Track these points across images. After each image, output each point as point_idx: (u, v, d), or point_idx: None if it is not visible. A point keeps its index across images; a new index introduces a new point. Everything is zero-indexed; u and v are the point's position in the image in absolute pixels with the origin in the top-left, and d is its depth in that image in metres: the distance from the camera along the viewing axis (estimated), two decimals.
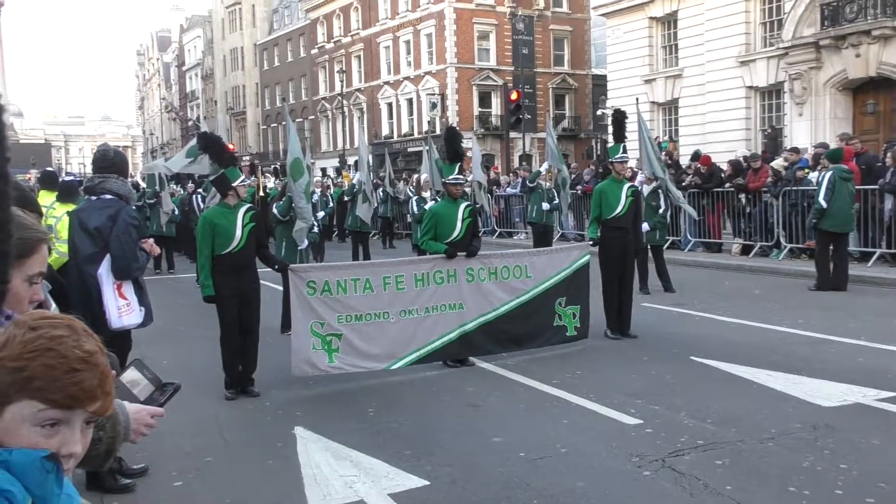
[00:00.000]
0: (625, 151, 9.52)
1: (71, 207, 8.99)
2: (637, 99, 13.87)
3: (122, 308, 5.08)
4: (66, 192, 9.48)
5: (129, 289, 5.17)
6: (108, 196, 5.48)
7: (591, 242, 9.24)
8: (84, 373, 1.32)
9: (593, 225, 9.38)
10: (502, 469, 5.09)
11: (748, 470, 4.94)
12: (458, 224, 7.99)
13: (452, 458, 5.31)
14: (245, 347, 7.10)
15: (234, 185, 7.01)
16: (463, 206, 8.16)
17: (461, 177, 8.23)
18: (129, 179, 26.43)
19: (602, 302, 9.18)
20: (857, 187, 14.25)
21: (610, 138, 12.65)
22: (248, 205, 7.25)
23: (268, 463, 5.41)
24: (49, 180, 9.54)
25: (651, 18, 31.23)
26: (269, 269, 8.09)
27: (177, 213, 18.24)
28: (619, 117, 9.86)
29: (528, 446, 5.50)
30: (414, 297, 7.63)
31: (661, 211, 12.56)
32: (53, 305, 3.90)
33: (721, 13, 27.80)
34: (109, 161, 5.60)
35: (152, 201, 18.17)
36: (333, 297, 7.20)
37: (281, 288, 7.91)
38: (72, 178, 12.49)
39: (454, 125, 9.04)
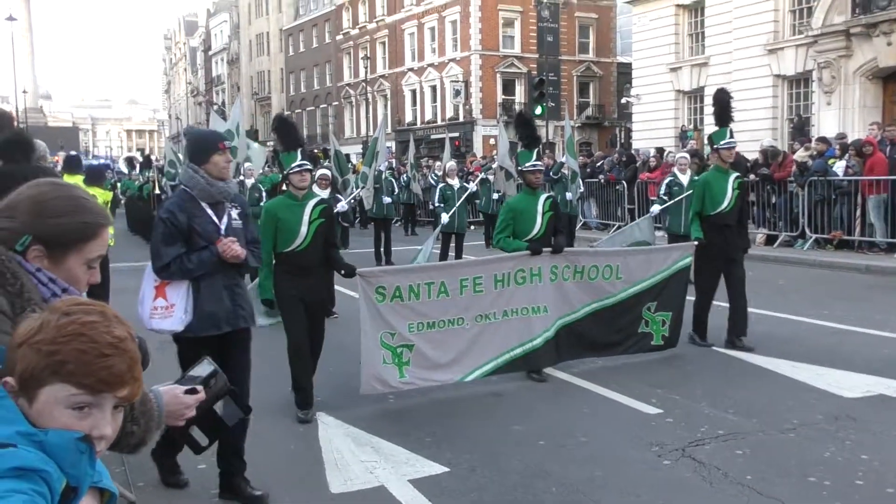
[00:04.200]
0: (731, 136, 8.18)
1: (98, 191, 9.16)
2: (638, 95, 12.96)
3: (157, 309, 4.42)
4: (94, 175, 9.63)
5: (175, 290, 4.43)
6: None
7: (695, 243, 7.92)
8: (114, 358, 1.36)
9: (696, 222, 8.12)
10: (522, 457, 5.12)
11: (768, 460, 4.93)
12: (538, 219, 7.08)
13: (473, 446, 5.35)
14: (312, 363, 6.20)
15: (287, 170, 6.12)
16: (543, 198, 7.21)
17: (540, 163, 7.34)
18: (157, 163, 26.46)
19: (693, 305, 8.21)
20: (888, 177, 14.14)
21: (700, 123, 12.32)
22: (319, 197, 6.39)
23: (290, 448, 5.48)
24: (73, 164, 9.68)
25: (678, 6, 30.90)
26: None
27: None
28: (724, 98, 8.52)
29: (548, 435, 5.53)
30: (492, 300, 6.71)
31: None
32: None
33: (749, 0, 27.47)
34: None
35: (173, 183, 18.06)
36: (405, 303, 6.30)
37: (356, 295, 6.56)
38: (100, 162, 12.64)
39: (523, 110, 7.92)
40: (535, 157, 7.26)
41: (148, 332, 4.20)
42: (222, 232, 4.48)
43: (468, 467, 4.97)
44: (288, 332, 6.03)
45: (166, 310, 4.43)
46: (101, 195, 8.83)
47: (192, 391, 1.98)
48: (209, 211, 4.50)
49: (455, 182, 14.35)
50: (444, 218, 13.24)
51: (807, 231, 15.61)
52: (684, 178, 11.46)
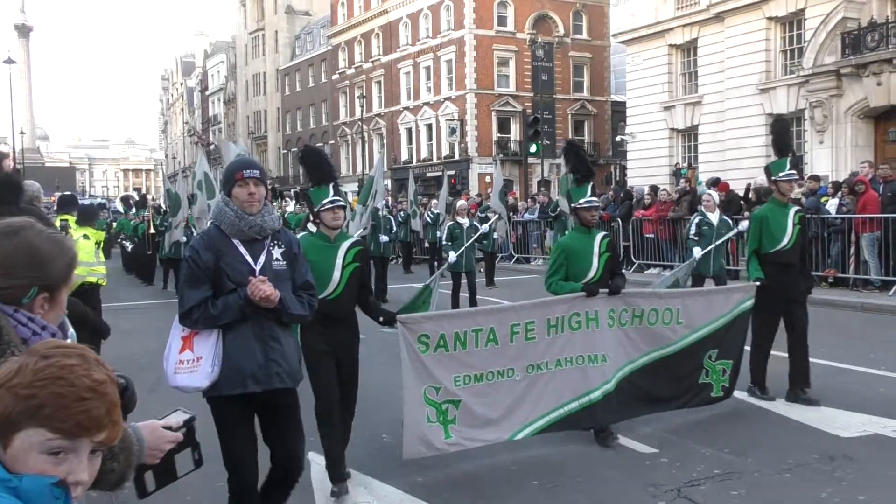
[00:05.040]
0: (793, 167, 7.55)
1: (90, 230, 9.14)
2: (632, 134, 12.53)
3: (184, 363, 3.82)
4: (85, 214, 9.61)
5: (204, 340, 3.82)
6: None
7: (756, 283, 7.22)
8: (92, 401, 1.34)
9: (754, 261, 7.43)
10: (517, 497, 5.07)
11: (764, 501, 4.89)
12: (595, 261, 6.32)
13: (467, 486, 5.29)
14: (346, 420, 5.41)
15: (317, 208, 5.20)
16: (599, 237, 6.46)
17: (596, 200, 6.59)
18: (152, 202, 26.51)
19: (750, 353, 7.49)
20: (880, 215, 14.22)
21: (752, 152, 12.23)
22: (354, 239, 5.51)
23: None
24: (66, 204, 9.63)
25: (671, 46, 31.30)
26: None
27: (195, 234, 18.06)
28: (781, 127, 7.85)
29: (542, 475, 5.48)
30: (545, 348, 5.94)
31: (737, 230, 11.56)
32: (71, 330, 3.95)
33: (741, 41, 27.83)
34: None
35: (168, 224, 18.13)
36: (450, 353, 5.56)
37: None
38: (89, 201, 12.65)
39: (573, 139, 6.87)
40: (589, 191, 6.48)
41: (173, 390, 3.86)
42: (257, 273, 3.84)
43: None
44: (317, 393, 5.15)
45: (192, 363, 3.81)
46: (94, 235, 8.81)
47: (167, 429, 2.00)
48: (241, 249, 3.88)
49: (465, 221, 13.95)
50: (452, 257, 12.98)
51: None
52: (713, 217, 11.25)
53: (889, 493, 4.99)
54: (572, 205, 6.60)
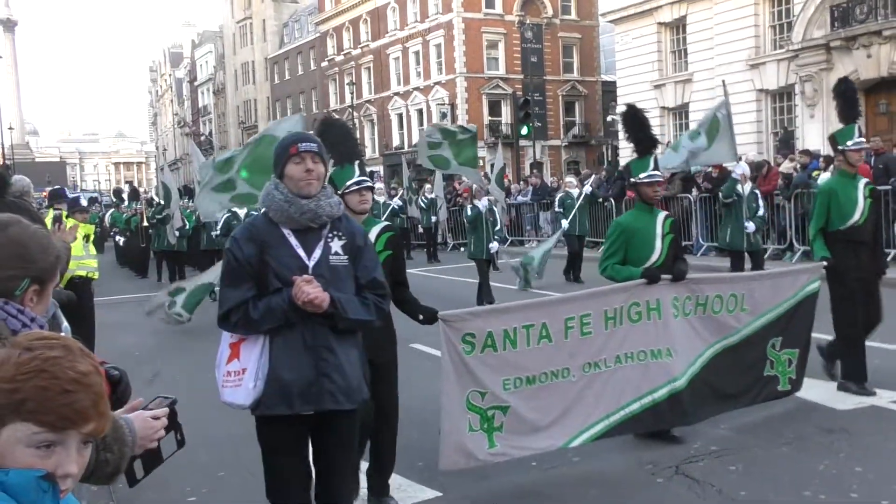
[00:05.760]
0: (861, 135, 6.79)
1: (79, 223, 9.10)
2: (724, 81, 11.51)
3: (230, 375, 3.30)
4: (75, 207, 9.57)
5: (250, 349, 3.27)
6: None
7: (823, 263, 6.51)
8: (77, 394, 1.32)
9: (819, 240, 6.70)
10: (515, 479, 5.08)
11: (763, 475, 4.91)
12: (658, 242, 5.68)
13: (465, 470, 5.30)
14: (378, 438, 4.73)
15: (342, 190, 4.41)
16: (662, 217, 5.84)
17: (658, 174, 5.84)
18: (144, 195, 26.39)
19: (828, 342, 6.97)
20: (875, 186, 14.22)
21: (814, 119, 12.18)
22: (385, 224, 5.01)
23: None
24: (56, 198, 9.66)
25: (660, 24, 31.21)
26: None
27: (187, 227, 17.85)
28: (847, 89, 7.11)
29: (540, 456, 5.48)
30: (602, 344, 5.29)
31: (760, 212, 11.62)
32: (65, 324, 3.94)
33: (730, 17, 27.76)
34: None
35: (161, 216, 18.01)
36: (499, 353, 4.92)
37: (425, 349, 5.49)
38: (78, 194, 12.57)
39: (633, 107, 6.24)
40: (651, 164, 5.79)
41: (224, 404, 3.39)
42: (310, 269, 3.25)
43: (461, 492, 4.92)
44: None
45: (238, 376, 3.28)
46: (83, 228, 8.76)
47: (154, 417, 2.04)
48: (292, 240, 3.29)
49: (482, 203, 12.76)
50: (495, 246, 12.28)
51: (794, 243, 15.67)
52: (745, 189, 11.14)
53: (886, 464, 5.01)
54: (632, 179, 5.88)
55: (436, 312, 4.76)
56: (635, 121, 6.05)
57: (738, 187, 11.31)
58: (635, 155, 5.96)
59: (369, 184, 4.58)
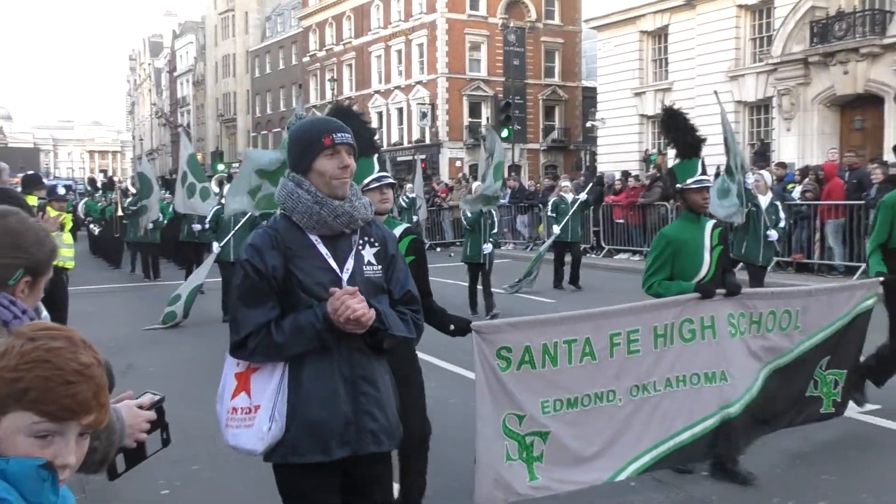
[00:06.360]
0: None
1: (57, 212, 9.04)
2: (716, 91, 11.36)
3: (236, 412, 2.69)
4: (52, 195, 9.50)
5: (264, 381, 2.69)
6: None
7: (880, 279, 6.15)
8: (79, 385, 1.33)
9: (876, 255, 6.39)
10: None
11: (732, 482, 4.98)
12: (706, 255, 5.12)
13: (454, 475, 5.31)
14: (412, 462, 4.36)
15: (362, 185, 3.95)
16: (710, 226, 5.24)
17: (707, 178, 5.31)
18: (119, 185, 26.01)
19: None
20: (845, 202, 14.47)
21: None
22: (406, 225, 4.51)
23: (256, 472, 5.41)
24: (31, 184, 9.49)
25: (642, 32, 31.45)
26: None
27: (161, 219, 17.52)
28: None
29: None
30: (652, 365, 4.73)
31: (781, 224, 11.11)
32: (45, 313, 3.92)
33: (711, 28, 28.05)
34: None
35: (136, 207, 17.61)
36: (537, 371, 4.35)
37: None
38: (56, 181, 12.52)
39: (671, 105, 5.68)
40: (699, 168, 5.22)
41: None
42: (343, 283, 2.70)
43: (442, 491, 4.94)
44: None
45: (247, 414, 2.67)
46: (63, 218, 8.69)
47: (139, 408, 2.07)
48: (321, 248, 2.74)
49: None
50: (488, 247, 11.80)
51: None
52: (763, 200, 10.80)
53: (854, 472, 5.12)
54: (677, 185, 5.31)
55: (469, 323, 4.19)
56: (676, 121, 5.52)
57: (760, 198, 10.76)
58: (677, 159, 5.46)
59: (391, 180, 4.19)
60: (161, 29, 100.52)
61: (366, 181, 4.02)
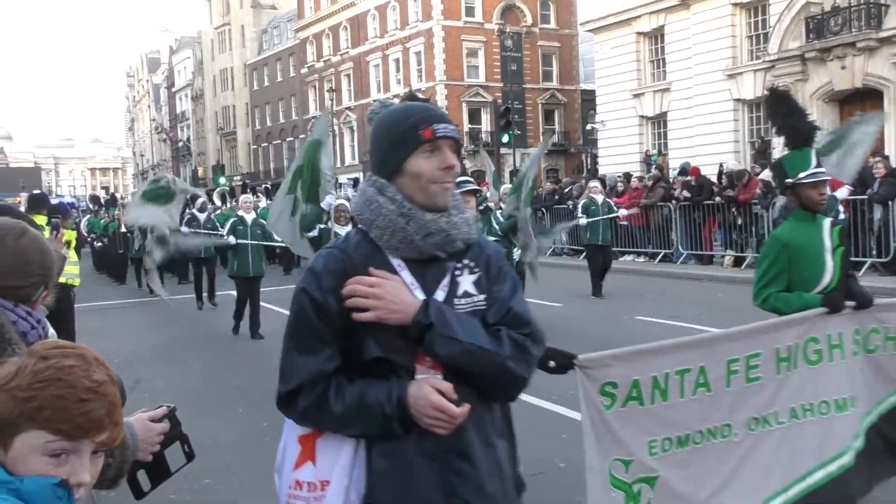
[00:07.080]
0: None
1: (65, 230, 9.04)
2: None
3: (300, 487, 2.08)
4: (59, 214, 9.50)
5: (333, 450, 2.07)
6: None
7: None
8: (92, 402, 1.32)
9: None
10: None
11: None
12: (828, 259, 4.32)
13: None
14: None
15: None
16: (827, 225, 4.41)
17: (823, 172, 4.36)
18: (121, 201, 25.99)
19: None
20: (848, 198, 14.43)
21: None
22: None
23: (267, 486, 5.40)
24: (38, 203, 9.50)
25: (638, 33, 31.47)
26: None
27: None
28: None
29: (526, 462, 5.46)
30: (773, 393, 3.99)
31: (840, 216, 10.75)
32: (51, 330, 3.92)
33: (707, 27, 28.07)
34: None
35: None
36: (646, 408, 3.67)
37: None
38: (61, 200, 12.51)
39: (776, 87, 4.43)
40: (813, 160, 4.32)
41: None
42: (433, 322, 1.99)
43: None
44: None
45: (314, 490, 2.06)
46: (67, 235, 8.70)
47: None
48: (406, 276, 2.06)
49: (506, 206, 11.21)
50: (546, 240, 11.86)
51: None
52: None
53: None
54: (787, 179, 4.44)
55: (573, 357, 3.31)
56: (784, 105, 4.64)
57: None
58: (786, 150, 4.63)
59: (474, 186, 3.62)
60: (158, 45, 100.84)
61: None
